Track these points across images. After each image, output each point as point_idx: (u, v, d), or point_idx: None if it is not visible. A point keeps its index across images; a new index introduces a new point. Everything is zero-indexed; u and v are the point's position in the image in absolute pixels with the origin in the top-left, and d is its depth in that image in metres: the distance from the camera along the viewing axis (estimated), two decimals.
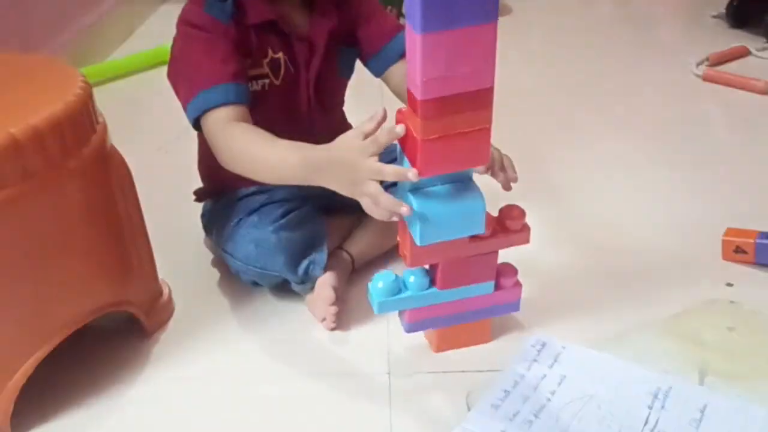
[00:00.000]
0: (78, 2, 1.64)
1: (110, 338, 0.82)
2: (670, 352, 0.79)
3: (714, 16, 1.89)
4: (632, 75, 1.63)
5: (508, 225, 0.77)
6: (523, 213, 0.77)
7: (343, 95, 0.99)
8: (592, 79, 1.62)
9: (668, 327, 0.83)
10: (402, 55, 0.84)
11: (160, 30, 1.90)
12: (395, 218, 0.69)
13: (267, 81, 0.87)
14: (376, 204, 0.68)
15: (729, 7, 1.83)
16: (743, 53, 1.64)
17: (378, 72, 0.94)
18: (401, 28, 0.91)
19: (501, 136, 1.38)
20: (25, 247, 0.67)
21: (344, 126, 1.00)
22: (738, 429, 0.70)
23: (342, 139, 0.70)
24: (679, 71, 1.59)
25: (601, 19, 2.06)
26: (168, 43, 1.50)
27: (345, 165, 0.69)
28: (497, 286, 0.79)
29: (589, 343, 0.80)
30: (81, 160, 0.70)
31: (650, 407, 0.72)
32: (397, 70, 0.90)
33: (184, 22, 0.85)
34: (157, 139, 1.25)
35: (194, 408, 0.75)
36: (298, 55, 0.88)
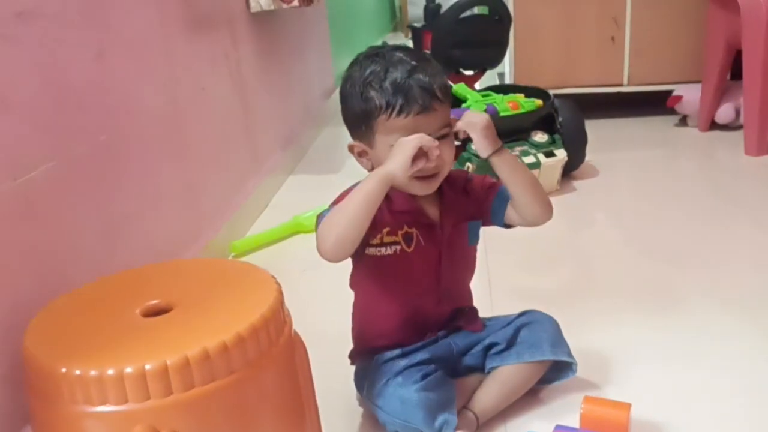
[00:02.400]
0: (229, 188, 1.97)
1: None
2: None
3: None
4: (716, 237, 1.78)
5: None
6: None
7: (473, 262, 1.21)
8: (676, 236, 1.78)
9: None
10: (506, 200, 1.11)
11: (290, 198, 2.23)
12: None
13: (399, 247, 1.10)
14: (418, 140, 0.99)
15: None
16: None
17: (501, 223, 1.15)
18: (498, 183, 1.13)
19: (589, 288, 1.56)
20: (237, 416, 0.89)
21: (467, 293, 1.22)
22: None
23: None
24: (763, 236, 1.73)
25: (683, 175, 2.24)
26: (299, 212, 1.80)
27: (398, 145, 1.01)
28: None
29: None
30: (278, 347, 0.94)
31: None
32: (510, 212, 1.12)
33: (335, 202, 1.08)
34: (299, 308, 1.50)
35: None
36: (430, 232, 1.12)
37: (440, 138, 1.04)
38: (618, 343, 1.32)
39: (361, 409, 1.19)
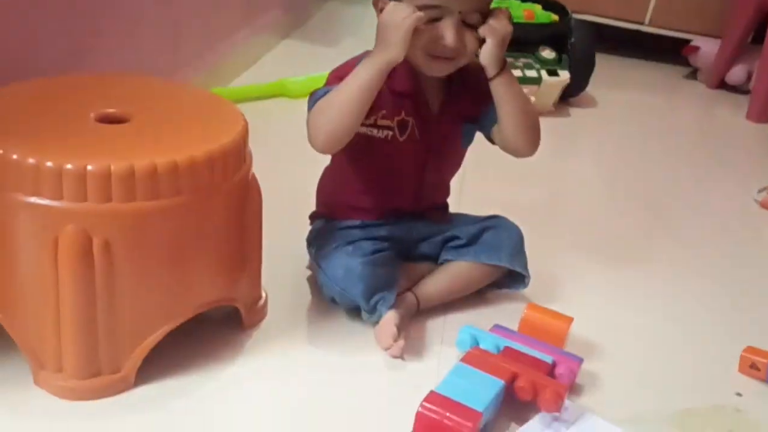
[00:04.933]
0: (217, 34, 1.88)
1: (216, 326, 1.01)
2: None
3: None
4: (697, 187, 1.76)
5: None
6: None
7: (460, 163, 1.16)
8: (656, 184, 1.76)
9: (676, 418, 0.97)
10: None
11: (280, 61, 2.14)
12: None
13: (392, 134, 1.05)
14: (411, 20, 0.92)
15: None
16: None
17: (487, 136, 1.10)
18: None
19: (557, 211, 1.55)
20: (176, 242, 0.86)
21: (445, 194, 1.19)
22: None
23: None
24: (741, 194, 1.71)
25: (679, 128, 2.20)
26: (286, 76, 1.67)
27: (389, 22, 0.94)
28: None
29: (604, 416, 0.94)
30: (233, 183, 0.90)
31: None
32: (496, 131, 1.07)
33: (334, 75, 1.02)
34: (267, 164, 1.46)
35: (272, 392, 0.93)
36: (426, 125, 1.06)
37: (470, 25, 0.98)
38: (573, 268, 1.31)
39: (307, 272, 1.17)
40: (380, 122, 1.04)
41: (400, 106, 1.04)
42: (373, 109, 1.01)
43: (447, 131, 1.09)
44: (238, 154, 0.90)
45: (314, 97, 1.00)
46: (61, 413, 0.84)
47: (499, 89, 1.02)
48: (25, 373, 0.88)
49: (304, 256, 1.16)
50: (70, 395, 0.85)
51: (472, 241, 1.14)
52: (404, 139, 1.05)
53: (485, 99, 1.05)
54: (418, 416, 0.84)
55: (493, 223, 1.16)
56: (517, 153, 1.08)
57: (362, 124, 1.02)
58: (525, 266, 1.14)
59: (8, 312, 0.85)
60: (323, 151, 1.00)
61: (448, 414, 0.83)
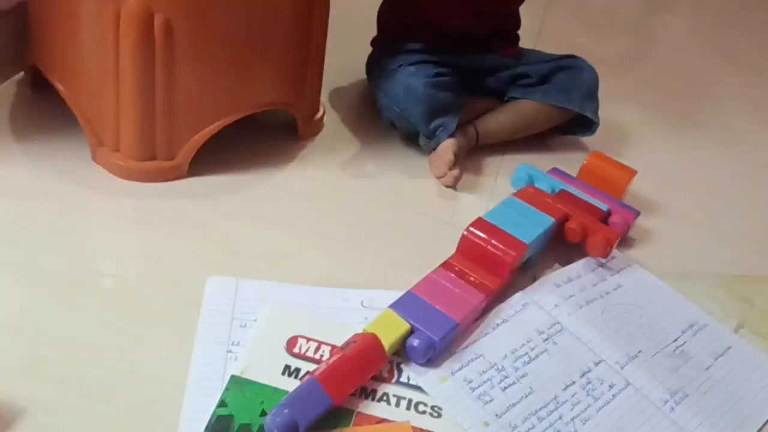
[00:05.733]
0: None
1: (272, 134, 1.01)
2: (718, 300, 0.90)
3: None
4: None
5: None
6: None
7: None
8: (751, 54, 1.64)
9: (726, 282, 0.94)
10: None
11: None
12: None
13: None
14: None
15: None
16: None
17: None
18: None
19: (637, 65, 1.44)
20: (239, 34, 0.83)
21: (511, 24, 1.12)
22: (751, 373, 0.81)
23: None
24: None
25: None
26: None
27: None
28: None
29: (652, 271, 0.92)
30: None
31: (683, 332, 0.84)
32: None
33: None
34: None
35: (319, 203, 0.93)
36: None
37: None
38: (644, 123, 1.25)
39: (367, 97, 1.14)
40: None
41: None
42: None
43: None
44: None
45: None
46: (115, 190, 0.87)
47: None
48: (85, 149, 0.89)
49: (365, 81, 1.13)
50: (125, 174, 0.87)
51: (543, 80, 1.08)
52: None
53: None
54: (463, 239, 0.83)
55: (569, 63, 1.09)
56: None
57: None
58: (595, 112, 1.09)
59: (70, 85, 0.86)
60: None
61: (493, 241, 0.82)
